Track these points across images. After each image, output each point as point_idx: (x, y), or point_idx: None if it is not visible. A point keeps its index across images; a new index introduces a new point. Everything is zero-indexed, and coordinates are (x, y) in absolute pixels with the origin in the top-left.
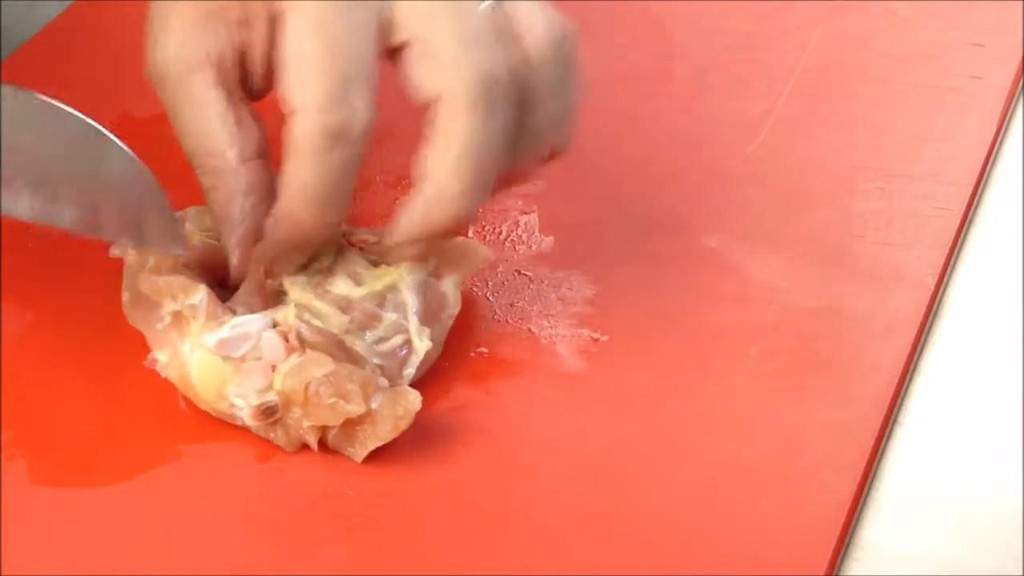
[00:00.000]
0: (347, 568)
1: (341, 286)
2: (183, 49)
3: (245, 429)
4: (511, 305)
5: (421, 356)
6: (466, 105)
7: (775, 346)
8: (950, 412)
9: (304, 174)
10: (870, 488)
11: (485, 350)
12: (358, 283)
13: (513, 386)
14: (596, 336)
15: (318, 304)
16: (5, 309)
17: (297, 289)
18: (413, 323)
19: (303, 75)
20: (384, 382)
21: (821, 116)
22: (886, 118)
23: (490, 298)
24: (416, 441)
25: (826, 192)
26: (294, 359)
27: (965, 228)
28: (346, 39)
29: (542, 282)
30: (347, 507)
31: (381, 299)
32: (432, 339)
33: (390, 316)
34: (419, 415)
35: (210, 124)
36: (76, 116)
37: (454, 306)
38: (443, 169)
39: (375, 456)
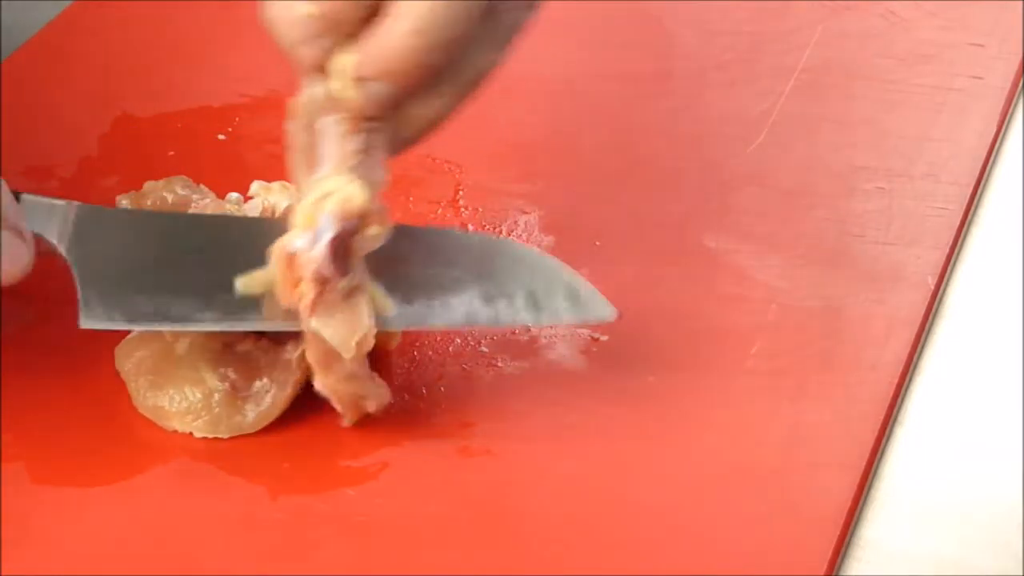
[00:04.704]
0: (347, 568)
1: None
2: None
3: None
4: None
5: None
6: None
7: (775, 346)
8: (950, 412)
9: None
10: (870, 488)
11: (485, 349)
12: None
13: (513, 386)
14: (596, 335)
15: None
16: (5, 309)
17: None
18: None
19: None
20: None
21: (821, 116)
22: (886, 118)
23: None
24: (416, 441)
25: (826, 192)
26: None
27: (965, 228)
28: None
29: None
30: (347, 507)
31: None
32: None
33: None
34: (419, 416)
35: None
36: None
37: None
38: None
39: (375, 455)
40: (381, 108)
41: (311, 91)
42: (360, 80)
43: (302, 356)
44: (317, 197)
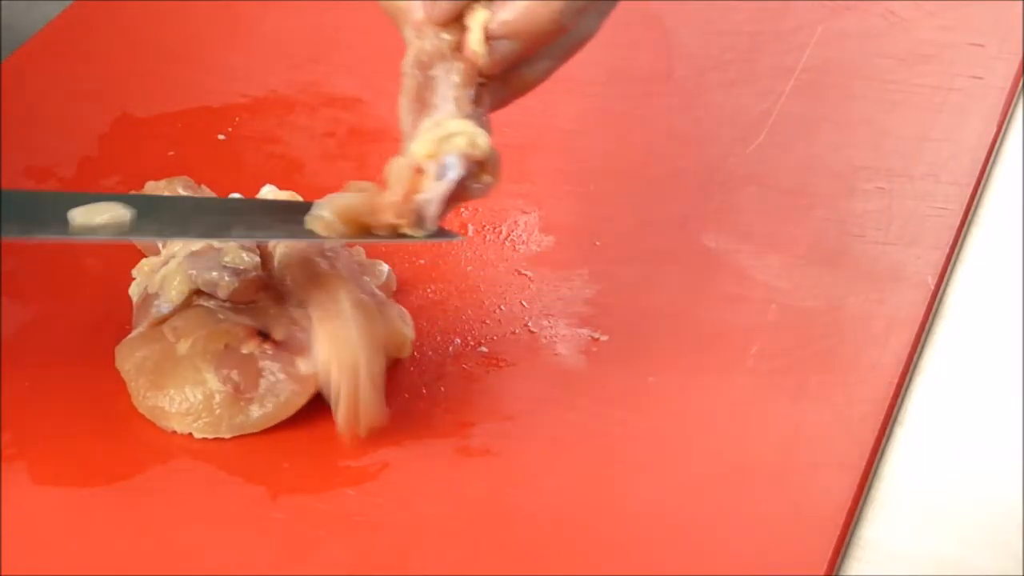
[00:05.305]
0: (347, 568)
1: None
2: None
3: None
4: (511, 305)
5: None
6: None
7: (775, 346)
8: (950, 412)
9: None
10: (870, 488)
11: (485, 349)
12: None
13: (513, 386)
14: (596, 335)
15: None
16: (5, 309)
17: None
18: None
19: None
20: None
21: (821, 116)
22: (886, 118)
23: (490, 298)
24: (416, 441)
25: (826, 192)
26: None
27: (965, 228)
28: None
29: (542, 282)
30: (347, 507)
31: None
32: None
33: None
34: (419, 416)
35: None
36: None
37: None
38: None
39: (375, 455)
40: (503, 66)
41: (434, 40)
42: (493, 37)
43: (314, 374)
44: (442, 135)
